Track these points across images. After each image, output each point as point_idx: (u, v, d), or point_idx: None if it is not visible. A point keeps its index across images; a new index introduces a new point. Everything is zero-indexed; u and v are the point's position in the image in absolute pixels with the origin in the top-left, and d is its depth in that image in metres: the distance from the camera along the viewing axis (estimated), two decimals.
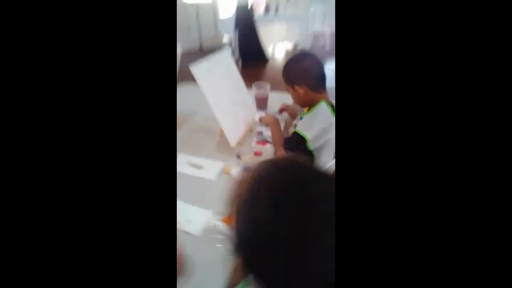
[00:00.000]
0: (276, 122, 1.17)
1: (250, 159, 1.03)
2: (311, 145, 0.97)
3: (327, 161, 0.98)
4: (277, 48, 5.44)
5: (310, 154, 1.01)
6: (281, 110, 1.31)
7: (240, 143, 1.12)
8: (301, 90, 1.01)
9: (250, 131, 1.22)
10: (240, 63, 4.15)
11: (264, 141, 1.14)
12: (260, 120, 1.24)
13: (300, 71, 1.01)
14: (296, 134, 0.99)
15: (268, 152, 1.08)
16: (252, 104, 1.27)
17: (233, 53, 4.65)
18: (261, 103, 1.40)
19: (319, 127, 0.96)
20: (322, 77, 1.04)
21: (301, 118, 1.05)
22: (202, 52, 5.06)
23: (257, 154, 1.06)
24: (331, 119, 0.97)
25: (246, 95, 1.24)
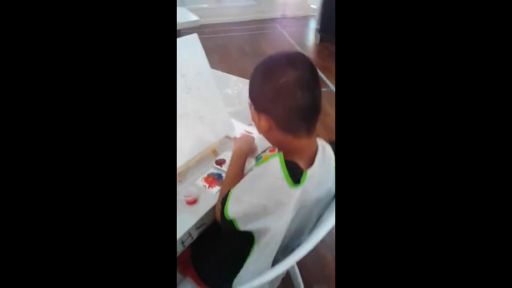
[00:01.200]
0: (240, 150, 0.75)
1: None
2: (240, 227, 0.55)
3: (269, 257, 0.55)
4: None
5: (247, 232, 0.58)
6: None
7: (179, 175, 0.76)
8: (264, 123, 0.56)
9: (214, 156, 0.84)
10: (318, 35, 3.52)
11: (215, 178, 0.75)
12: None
13: (271, 93, 0.53)
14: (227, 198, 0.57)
15: (208, 199, 0.70)
16: (226, 114, 0.87)
17: (317, 24, 4.04)
18: None
19: (256, 203, 0.52)
20: (306, 112, 0.54)
21: (257, 160, 0.61)
22: (285, 19, 4.55)
23: (188, 202, 0.69)
24: (281, 193, 0.51)
25: (219, 102, 0.84)
